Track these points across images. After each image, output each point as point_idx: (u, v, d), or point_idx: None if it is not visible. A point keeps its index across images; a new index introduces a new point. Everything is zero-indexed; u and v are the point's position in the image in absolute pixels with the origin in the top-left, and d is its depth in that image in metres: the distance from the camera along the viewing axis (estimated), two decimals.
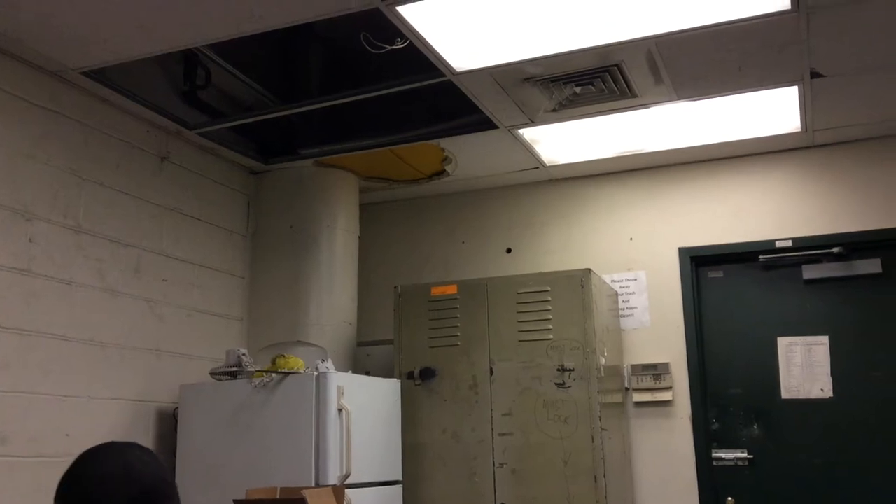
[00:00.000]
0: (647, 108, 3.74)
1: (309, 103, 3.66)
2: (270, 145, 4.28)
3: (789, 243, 4.22)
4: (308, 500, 2.78)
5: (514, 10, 2.89)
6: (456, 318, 3.99)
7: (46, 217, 3.20)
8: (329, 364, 3.50)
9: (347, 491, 3.20)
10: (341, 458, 3.32)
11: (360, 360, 4.49)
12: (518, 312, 3.88)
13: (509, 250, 4.76)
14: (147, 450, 1.68)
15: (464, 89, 3.50)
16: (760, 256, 4.27)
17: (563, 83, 3.47)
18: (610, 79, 3.42)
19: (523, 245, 4.73)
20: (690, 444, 4.18)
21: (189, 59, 3.50)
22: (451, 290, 4.04)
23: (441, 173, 4.58)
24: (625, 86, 3.50)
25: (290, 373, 3.44)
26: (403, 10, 2.85)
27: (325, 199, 4.38)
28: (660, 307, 4.37)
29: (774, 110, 3.84)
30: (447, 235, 4.91)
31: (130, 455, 1.64)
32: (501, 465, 3.78)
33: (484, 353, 3.90)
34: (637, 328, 4.39)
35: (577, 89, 3.52)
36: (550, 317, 3.82)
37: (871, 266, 4.11)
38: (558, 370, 3.76)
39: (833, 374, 4.08)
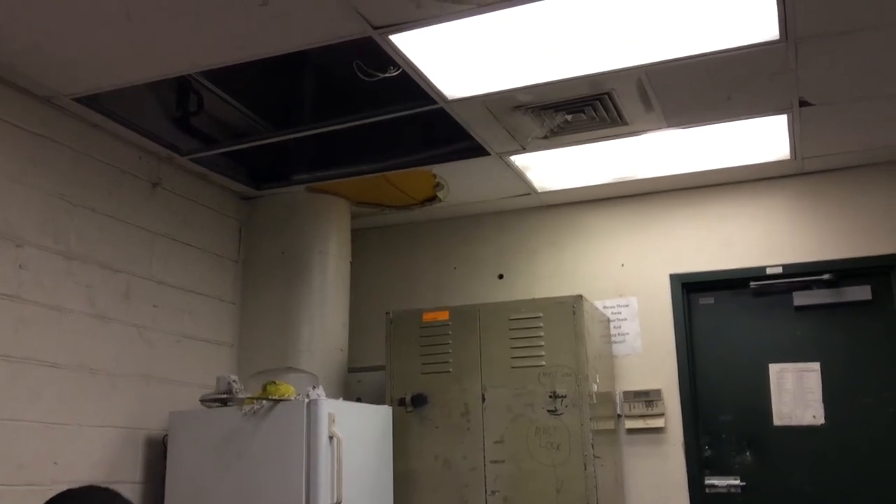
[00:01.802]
0: (638, 135, 3.77)
1: (301, 130, 3.67)
2: (262, 171, 4.28)
3: (780, 270, 4.23)
4: None
5: (505, 39, 2.92)
6: (448, 344, 3.98)
7: (36, 242, 3.19)
8: (320, 391, 3.48)
9: None
10: (332, 486, 3.29)
11: (352, 387, 4.46)
12: (510, 339, 3.87)
13: (501, 276, 4.76)
14: (108, 490, 1.65)
15: (456, 117, 3.51)
16: (751, 283, 4.28)
17: (554, 111, 3.49)
18: (601, 107, 3.45)
19: (515, 271, 4.74)
20: (683, 471, 4.17)
21: (181, 86, 3.50)
22: (443, 316, 4.03)
23: (433, 199, 4.58)
24: (615, 113, 3.52)
25: (280, 400, 3.42)
26: (396, 39, 2.87)
27: (317, 225, 4.37)
28: (651, 333, 4.37)
29: (764, 138, 3.87)
30: (439, 261, 4.91)
31: (93, 501, 1.60)
32: (493, 492, 3.75)
33: (476, 380, 3.89)
34: (629, 354, 4.39)
35: (568, 117, 3.54)
36: (542, 343, 3.81)
37: (861, 293, 4.13)
38: (550, 397, 3.74)
39: (825, 400, 4.08)
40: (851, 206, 4.21)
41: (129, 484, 3.49)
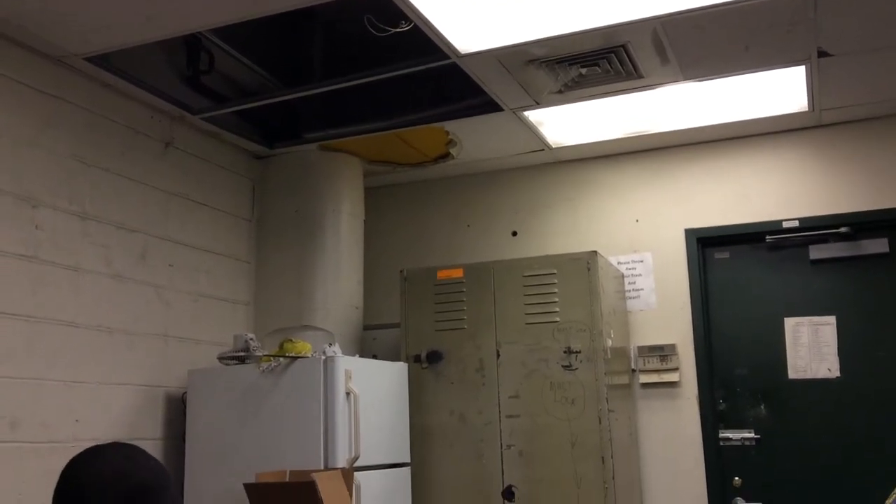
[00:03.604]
0: (653, 88, 3.72)
1: (313, 87, 3.64)
2: (275, 130, 4.27)
3: (796, 223, 4.21)
4: (318, 482, 2.80)
5: None
6: (462, 301, 4.00)
7: (52, 204, 3.20)
8: (336, 348, 3.51)
9: (356, 473, 3.22)
10: (350, 441, 3.33)
11: (367, 344, 4.50)
12: (524, 295, 3.87)
13: (515, 233, 4.75)
14: (132, 446, 1.68)
15: (468, 72, 3.48)
16: (767, 237, 4.26)
17: (569, 64, 3.45)
18: (615, 60, 3.40)
19: (529, 228, 4.72)
20: (697, 425, 4.19)
21: (192, 44, 3.48)
22: (457, 273, 4.04)
23: (446, 156, 4.56)
24: (630, 66, 3.47)
25: (297, 357, 3.45)
26: None
27: (330, 184, 4.37)
28: (666, 288, 4.37)
29: (781, 90, 3.82)
30: (452, 219, 4.90)
31: (117, 457, 1.63)
32: (509, 446, 3.79)
33: (490, 336, 3.90)
34: (643, 310, 4.39)
35: (583, 70, 3.50)
36: (557, 299, 3.82)
37: (879, 245, 4.10)
38: (565, 352, 3.76)
39: (840, 353, 4.08)
40: (869, 158, 4.15)
41: (150, 440, 3.55)
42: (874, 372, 4.02)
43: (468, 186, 4.89)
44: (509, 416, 3.81)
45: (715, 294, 4.35)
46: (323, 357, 3.41)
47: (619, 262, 4.43)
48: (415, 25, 3.04)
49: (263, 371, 3.47)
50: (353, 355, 3.83)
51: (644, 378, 4.31)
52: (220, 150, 4.17)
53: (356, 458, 3.32)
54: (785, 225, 4.22)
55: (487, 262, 4.11)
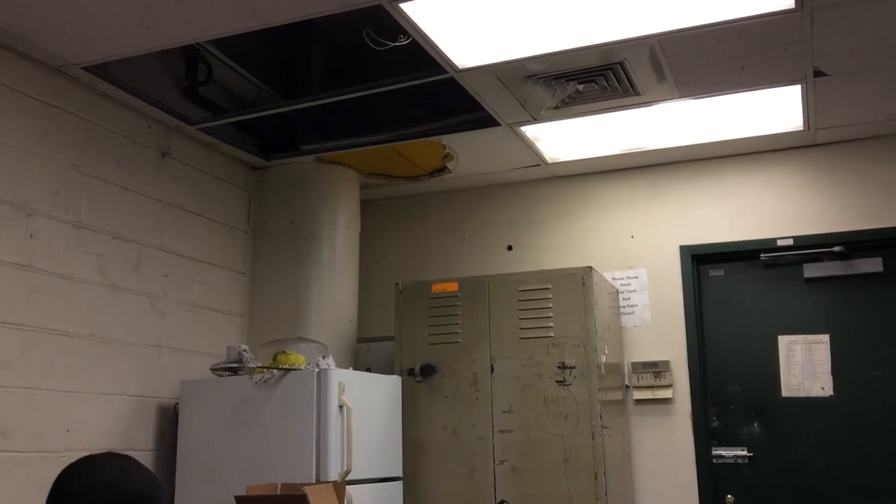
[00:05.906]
0: (650, 106, 3.74)
1: (310, 99, 3.65)
2: (271, 141, 4.28)
3: (790, 242, 4.22)
4: (309, 496, 2.78)
5: (517, 8, 2.89)
6: (457, 315, 3.99)
7: (48, 212, 3.20)
8: (330, 360, 3.50)
9: (348, 487, 3.20)
10: (342, 455, 3.32)
11: (361, 357, 4.49)
12: (519, 310, 3.87)
13: (510, 247, 4.76)
14: (126, 457, 1.67)
15: (466, 86, 3.49)
16: (761, 255, 4.27)
17: (566, 81, 3.47)
18: (613, 77, 3.42)
19: (524, 242, 4.73)
20: (690, 442, 4.19)
21: (190, 55, 3.49)
22: (452, 287, 4.04)
23: (442, 170, 4.57)
24: (627, 84, 3.49)
25: (291, 369, 3.44)
26: (406, 7, 2.84)
27: (326, 196, 4.37)
28: (661, 305, 4.37)
29: (777, 109, 3.84)
30: (448, 232, 4.91)
31: (110, 467, 1.63)
32: (502, 462, 3.78)
33: (485, 351, 3.90)
34: (638, 326, 4.39)
35: (580, 87, 3.51)
36: (551, 314, 3.82)
37: (873, 265, 4.11)
38: (559, 367, 3.76)
39: (834, 372, 4.08)
40: (864, 177, 4.18)
41: (141, 451, 3.53)
42: (867, 391, 4.02)
43: (464, 200, 4.90)
44: (503, 431, 3.80)
45: (709, 311, 4.35)
46: (316, 369, 3.40)
47: (613, 278, 4.44)
48: (413, 40, 3.05)
49: (256, 383, 3.46)
50: (347, 368, 3.82)
51: (638, 394, 4.30)
52: (217, 160, 4.18)
53: (348, 472, 3.31)
54: (779, 243, 4.23)
55: (482, 276, 4.12)
